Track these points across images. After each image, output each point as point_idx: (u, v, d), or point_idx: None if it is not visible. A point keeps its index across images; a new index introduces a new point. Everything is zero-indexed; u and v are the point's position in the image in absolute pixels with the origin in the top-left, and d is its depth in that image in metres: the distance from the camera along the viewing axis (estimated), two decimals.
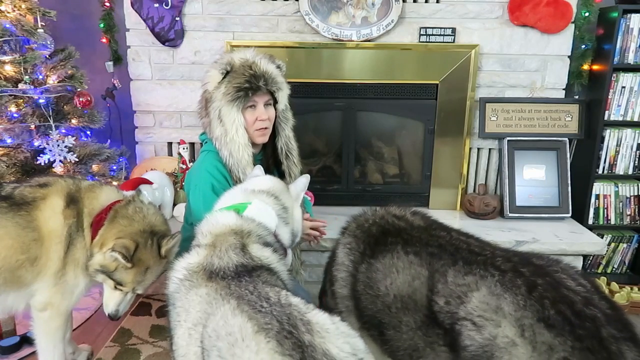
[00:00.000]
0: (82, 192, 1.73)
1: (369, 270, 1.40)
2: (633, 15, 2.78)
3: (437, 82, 2.93)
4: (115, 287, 1.67)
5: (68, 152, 2.39)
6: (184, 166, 2.98)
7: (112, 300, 1.70)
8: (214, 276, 1.11)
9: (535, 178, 3.02)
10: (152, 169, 2.97)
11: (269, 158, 2.13)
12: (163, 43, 2.93)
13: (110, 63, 3.08)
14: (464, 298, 1.15)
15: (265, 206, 1.41)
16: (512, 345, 1.04)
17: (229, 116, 1.89)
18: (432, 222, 1.51)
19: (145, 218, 1.71)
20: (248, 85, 1.88)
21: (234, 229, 1.27)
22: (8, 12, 2.37)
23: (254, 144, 1.99)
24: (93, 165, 2.59)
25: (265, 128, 1.98)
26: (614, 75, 2.87)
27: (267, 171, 2.06)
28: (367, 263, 1.42)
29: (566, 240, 2.70)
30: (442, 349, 1.21)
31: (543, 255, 1.25)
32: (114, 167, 2.78)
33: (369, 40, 2.89)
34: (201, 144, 2.11)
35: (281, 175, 2.10)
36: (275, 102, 2.01)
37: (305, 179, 1.64)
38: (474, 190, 3.14)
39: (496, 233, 2.74)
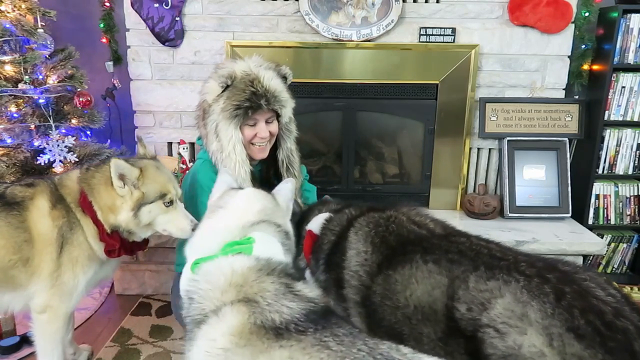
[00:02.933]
0: (60, 189, 1.71)
1: (387, 282, 1.34)
2: (633, 15, 2.78)
3: (437, 82, 2.93)
4: (165, 205, 1.66)
5: (68, 152, 2.38)
6: (184, 166, 2.97)
7: (179, 221, 1.68)
8: (284, 332, 0.92)
9: (535, 178, 3.02)
10: None
11: (269, 169, 2.05)
12: (163, 43, 2.93)
13: (110, 63, 3.08)
14: (487, 304, 1.10)
15: (271, 238, 1.17)
16: (541, 356, 0.98)
17: (225, 132, 1.79)
18: (452, 229, 1.47)
19: (104, 162, 1.72)
20: (248, 104, 1.76)
21: (263, 270, 1.04)
22: (8, 12, 2.37)
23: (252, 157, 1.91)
24: None
25: (265, 144, 1.90)
26: (614, 75, 2.87)
27: (267, 182, 1.95)
28: (385, 274, 1.35)
29: (566, 240, 2.70)
30: (464, 358, 1.16)
31: (568, 261, 1.19)
32: None
33: (369, 40, 2.89)
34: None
35: None
36: (278, 116, 1.90)
37: (290, 185, 1.35)
38: (474, 190, 3.14)
39: (496, 233, 2.73)
